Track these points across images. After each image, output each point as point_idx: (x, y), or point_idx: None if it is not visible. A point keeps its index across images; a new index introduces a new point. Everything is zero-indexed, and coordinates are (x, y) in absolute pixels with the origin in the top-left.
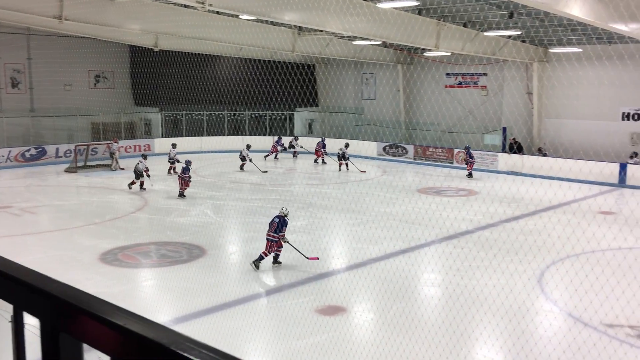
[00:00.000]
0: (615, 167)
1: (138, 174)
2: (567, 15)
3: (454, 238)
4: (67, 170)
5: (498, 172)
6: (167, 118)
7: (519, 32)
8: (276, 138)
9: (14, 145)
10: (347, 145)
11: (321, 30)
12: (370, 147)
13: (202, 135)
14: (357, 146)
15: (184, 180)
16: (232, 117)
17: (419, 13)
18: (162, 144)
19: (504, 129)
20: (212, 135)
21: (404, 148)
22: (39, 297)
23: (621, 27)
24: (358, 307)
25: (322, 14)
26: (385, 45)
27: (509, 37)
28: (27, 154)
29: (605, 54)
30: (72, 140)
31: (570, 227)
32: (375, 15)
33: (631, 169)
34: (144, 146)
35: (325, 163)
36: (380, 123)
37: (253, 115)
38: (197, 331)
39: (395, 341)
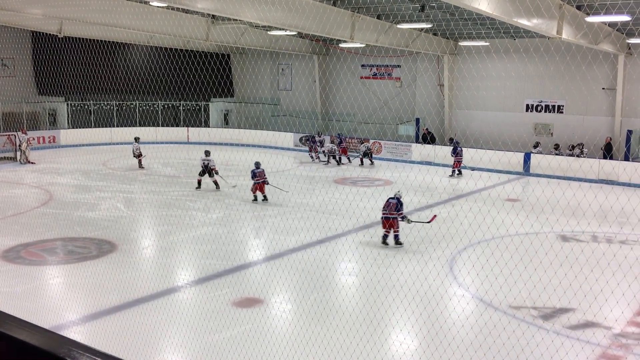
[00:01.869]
0: (520, 157)
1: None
2: (476, 9)
3: (370, 227)
4: None
5: (412, 162)
6: (74, 108)
7: (431, 25)
8: (317, 137)
9: None
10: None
11: (236, 20)
12: (287, 138)
13: (112, 127)
14: (274, 137)
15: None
16: (144, 107)
17: (334, 4)
18: (68, 135)
19: (417, 120)
20: (123, 127)
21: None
22: None
23: (525, 22)
24: (275, 298)
25: (236, 3)
26: (301, 35)
27: (421, 30)
28: None
29: (511, 47)
30: None
31: (481, 214)
32: (291, 5)
33: (535, 158)
34: (49, 137)
35: (350, 162)
36: (296, 114)
37: (166, 106)
38: (108, 329)
39: (314, 331)
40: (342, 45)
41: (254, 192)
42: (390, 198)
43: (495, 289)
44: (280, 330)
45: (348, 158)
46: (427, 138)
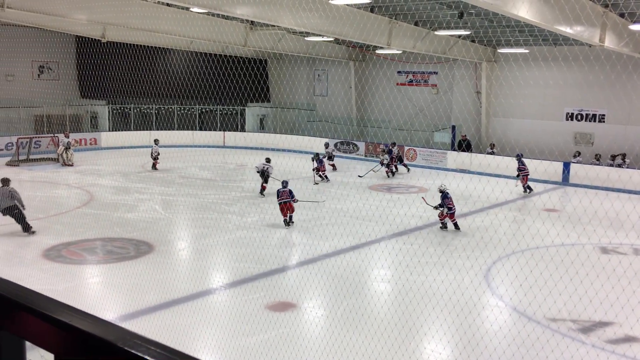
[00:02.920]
0: (559, 166)
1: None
2: (515, 16)
3: (404, 234)
4: (9, 164)
5: (447, 169)
6: (114, 111)
7: (469, 32)
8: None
9: None
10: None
11: (274, 25)
12: (322, 144)
13: (151, 130)
14: (309, 143)
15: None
16: (182, 111)
17: (372, 10)
18: (109, 138)
19: (453, 127)
20: (162, 130)
21: (355, 145)
22: None
23: (566, 30)
24: (308, 303)
25: (275, 9)
26: (338, 41)
27: (459, 36)
28: None
29: (551, 55)
30: (14, 132)
31: (516, 223)
32: (329, 11)
33: (574, 167)
34: (90, 139)
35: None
36: (332, 119)
37: (203, 110)
38: (145, 328)
39: (345, 337)
40: (379, 51)
41: (284, 215)
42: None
43: (532, 299)
44: (312, 335)
45: (406, 166)
46: (463, 145)
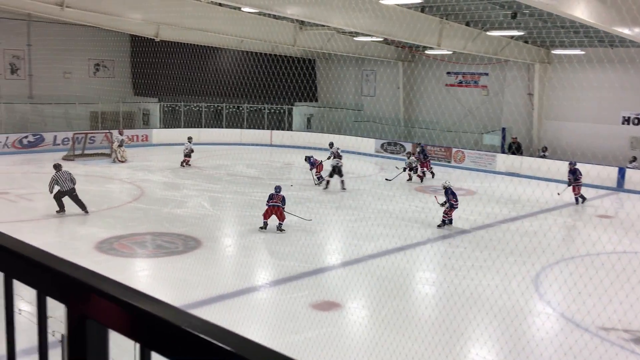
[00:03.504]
0: (613, 171)
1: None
2: (571, 16)
3: (450, 237)
4: (65, 158)
5: (496, 172)
6: (165, 108)
7: (522, 33)
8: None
9: (12, 132)
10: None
11: (323, 25)
12: (369, 144)
13: (200, 127)
14: (356, 143)
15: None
16: (231, 109)
17: (422, 10)
18: (159, 135)
19: (503, 130)
20: (210, 127)
21: (403, 146)
22: (64, 283)
23: (623, 31)
24: (353, 303)
25: (325, 9)
26: (387, 42)
27: (512, 37)
28: (25, 141)
29: (607, 57)
30: (70, 128)
31: (566, 229)
32: (379, 11)
33: (629, 173)
34: (142, 136)
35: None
36: (379, 120)
37: (252, 109)
38: None
39: (389, 339)
40: (428, 52)
41: (265, 218)
42: (449, 188)
43: (580, 306)
44: (356, 335)
45: (432, 173)
46: (513, 147)
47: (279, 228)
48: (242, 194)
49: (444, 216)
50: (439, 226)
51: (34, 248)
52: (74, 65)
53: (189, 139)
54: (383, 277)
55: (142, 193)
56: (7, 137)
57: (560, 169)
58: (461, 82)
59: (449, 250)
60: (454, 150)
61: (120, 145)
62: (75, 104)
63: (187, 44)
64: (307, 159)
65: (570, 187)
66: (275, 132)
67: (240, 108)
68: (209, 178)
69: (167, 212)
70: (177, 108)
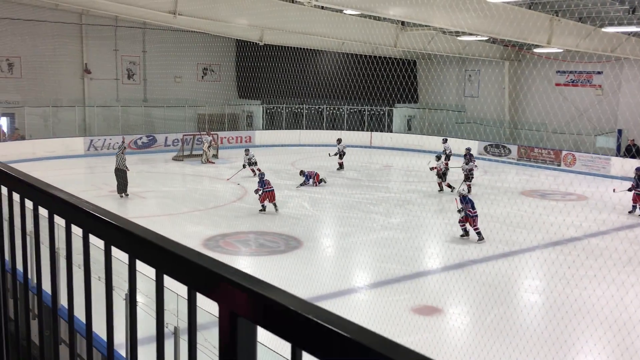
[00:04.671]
0: None
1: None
2: None
3: (559, 244)
4: (175, 159)
5: (611, 177)
6: (268, 111)
7: None
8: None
9: (128, 133)
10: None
11: (425, 26)
12: (471, 146)
13: (301, 129)
14: (457, 144)
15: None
16: (331, 111)
17: (530, 7)
18: (262, 136)
19: (619, 131)
20: (311, 129)
21: (507, 148)
22: (216, 281)
23: None
24: (455, 309)
25: (428, 9)
26: (491, 40)
27: (630, 33)
28: (139, 142)
29: None
30: (180, 129)
31: None
32: (484, 9)
33: None
34: (246, 137)
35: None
36: (482, 121)
37: (352, 110)
38: None
39: (493, 348)
40: (536, 50)
41: (262, 202)
42: (464, 196)
43: None
44: (459, 343)
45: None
46: (633, 150)
47: (276, 208)
48: (342, 195)
49: (461, 226)
50: (461, 236)
51: (186, 247)
52: (184, 69)
53: (247, 151)
54: (486, 283)
55: (246, 193)
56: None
57: None
58: (572, 82)
59: (560, 258)
60: (563, 153)
61: (209, 147)
62: (185, 106)
63: (290, 47)
64: (302, 172)
65: (631, 193)
66: (375, 133)
67: (341, 110)
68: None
69: (269, 212)
70: (279, 110)
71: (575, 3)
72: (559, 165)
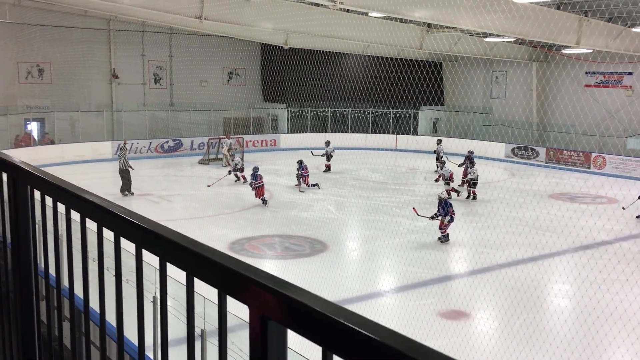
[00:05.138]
0: None
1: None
2: None
3: (589, 248)
4: (201, 162)
5: None
6: (293, 114)
7: None
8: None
9: (155, 137)
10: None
11: (451, 27)
12: (498, 148)
13: (325, 132)
14: (484, 147)
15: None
16: (356, 114)
17: (559, 8)
18: (287, 139)
19: None
20: (336, 132)
21: (535, 150)
22: (247, 284)
23: None
24: (482, 313)
25: (454, 10)
26: (519, 42)
27: None
28: (166, 146)
29: None
30: (205, 133)
31: None
32: (512, 10)
33: None
34: (271, 141)
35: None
36: (509, 123)
37: (377, 113)
38: None
39: (522, 354)
40: (565, 51)
41: (259, 197)
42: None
43: None
44: (487, 348)
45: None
46: None
47: (265, 202)
48: (367, 199)
49: (441, 231)
50: (440, 240)
51: (216, 250)
52: (209, 74)
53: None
54: (515, 288)
55: (271, 196)
56: (150, 142)
57: None
58: (602, 82)
59: (590, 262)
60: (593, 155)
61: (229, 150)
62: (210, 110)
63: (314, 50)
64: (300, 162)
65: None
66: (400, 136)
67: (365, 112)
68: (334, 182)
69: (294, 215)
70: (304, 113)
71: (605, 3)
72: (589, 167)
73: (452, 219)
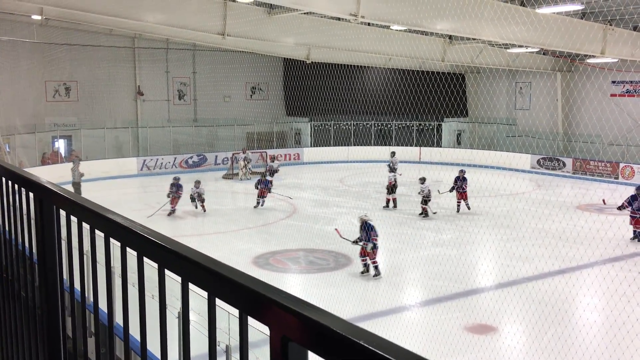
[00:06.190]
0: None
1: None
2: None
3: (619, 260)
4: (225, 177)
5: None
6: (316, 128)
7: None
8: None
9: (179, 153)
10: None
11: (474, 39)
12: (523, 160)
13: (349, 145)
14: (508, 158)
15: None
16: (379, 127)
17: (582, 17)
18: (310, 153)
19: None
20: (359, 145)
21: (561, 161)
22: (268, 305)
23: None
24: (510, 328)
25: (475, 22)
26: (542, 52)
27: None
28: (190, 161)
29: None
30: (229, 148)
31: None
32: (534, 21)
33: None
34: (294, 155)
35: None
36: (534, 134)
37: (400, 126)
38: None
39: None
40: (590, 60)
41: (173, 206)
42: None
43: None
44: None
45: (467, 205)
46: None
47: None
48: (391, 211)
49: (362, 260)
50: (362, 272)
51: (238, 271)
52: (232, 89)
53: (197, 183)
54: (543, 301)
55: (295, 210)
56: (175, 158)
57: None
58: (628, 92)
59: (620, 275)
60: (621, 165)
61: (246, 164)
62: (234, 125)
63: (336, 64)
64: (263, 176)
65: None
66: (424, 148)
67: (389, 125)
68: (358, 195)
69: (318, 229)
70: (326, 127)
71: (629, 12)
72: (617, 178)
73: (375, 246)
